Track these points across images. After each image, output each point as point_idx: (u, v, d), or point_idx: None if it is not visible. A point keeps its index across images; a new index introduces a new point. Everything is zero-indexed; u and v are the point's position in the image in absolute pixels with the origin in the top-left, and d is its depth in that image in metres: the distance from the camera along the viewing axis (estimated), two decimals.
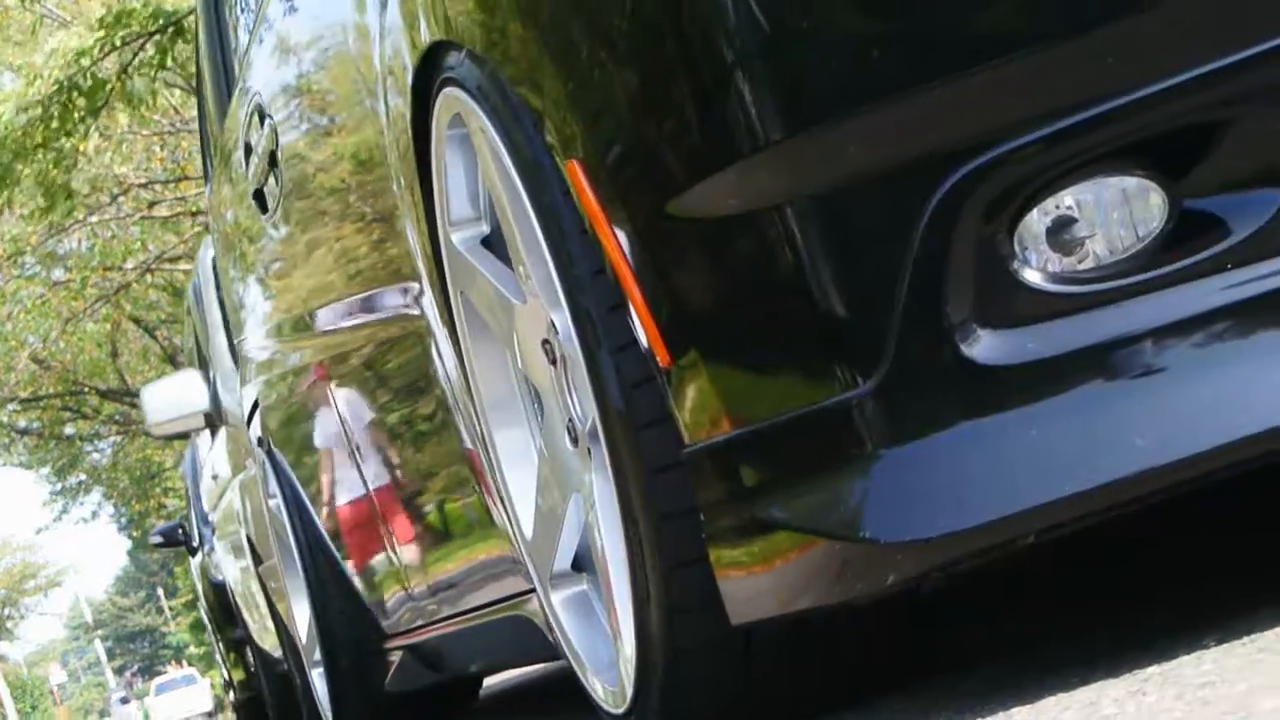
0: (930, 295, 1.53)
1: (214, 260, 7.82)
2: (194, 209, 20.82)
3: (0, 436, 30.60)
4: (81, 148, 11.38)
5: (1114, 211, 1.55)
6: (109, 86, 10.43)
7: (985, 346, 1.53)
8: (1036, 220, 1.55)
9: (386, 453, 3.16)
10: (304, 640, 4.50)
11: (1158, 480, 1.49)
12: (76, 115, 10.34)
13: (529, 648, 2.68)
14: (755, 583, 1.68)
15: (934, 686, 1.82)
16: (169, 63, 10.43)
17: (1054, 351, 1.52)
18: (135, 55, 10.37)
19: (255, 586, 7.22)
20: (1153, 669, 1.46)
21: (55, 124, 10.32)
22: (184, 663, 58.38)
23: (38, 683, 65.36)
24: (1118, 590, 2.13)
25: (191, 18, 10.10)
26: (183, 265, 22.53)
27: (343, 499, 3.72)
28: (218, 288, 7.78)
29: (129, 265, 21.94)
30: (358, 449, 3.32)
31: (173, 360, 26.34)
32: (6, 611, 59.60)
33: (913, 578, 1.57)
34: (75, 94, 10.28)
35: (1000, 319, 1.53)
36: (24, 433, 30.38)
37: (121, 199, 20.50)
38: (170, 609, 61.17)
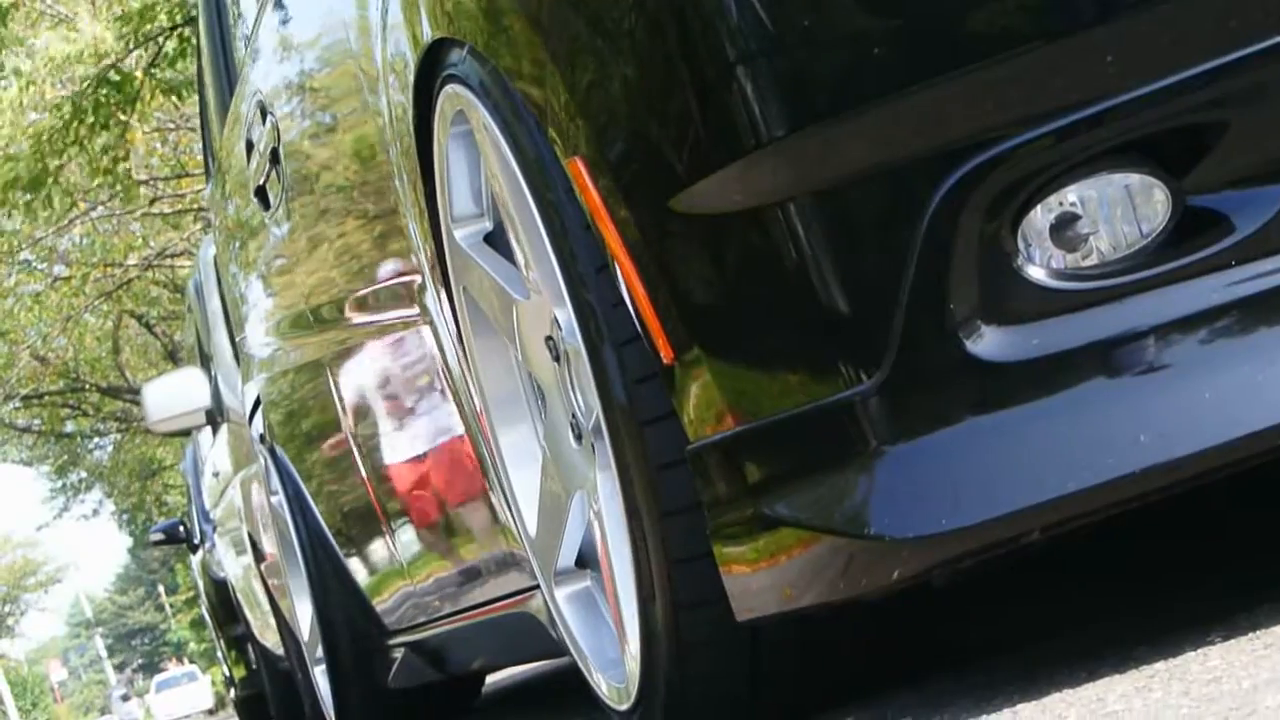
0: (934, 292, 1.53)
1: (214, 257, 7.84)
2: (195, 205, 20.82)
3: (1, 433, 30.62)
4: (131, 139, 11.41)
5: (1117, 208, 1.55)
6: (136, 81, 10.47)
7: (989, 343, 1.53)
8: (1040, 217, 1.55)
9: (389, 449, 3.15)
10: (306, 637, 4.50)
11: (1162, 477, 1.48)
12: (110, 108, 10.37)
13: (532, 645, 2.68)
14: (760, 579, 1.68)
15: (940, 682, 1.82)
16: (189, 55, 10.47)
17: (1058, 348, 1.52)
18: (160, 49, 10.40)
19: (257, 584, 7.23)
20: (1159, 665, 1.46)
21: (91, 119, 10.35)
22: (185, 660, 58.39)
23: (38, 680, 65.35)
24: (1123, 586, 2.13)
25: None
26: (183, 262, 22.54)
27: (345, 495, 3.72)
28: (219, 285, 7.78)
29: (130, 261, 21.93)
30: (360, 445, 3.31)
31: (173, 357, 26.33)
32: (7, 608, 59.59)
33: (918, 574, 1.57)
34: (105, 88, 10.31)
35: (1004, 315, 1.53)
36: (25, 430, 30.38)
37: (115, 199, 20.47)
38: (171, 606, 61.16)
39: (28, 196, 11.51)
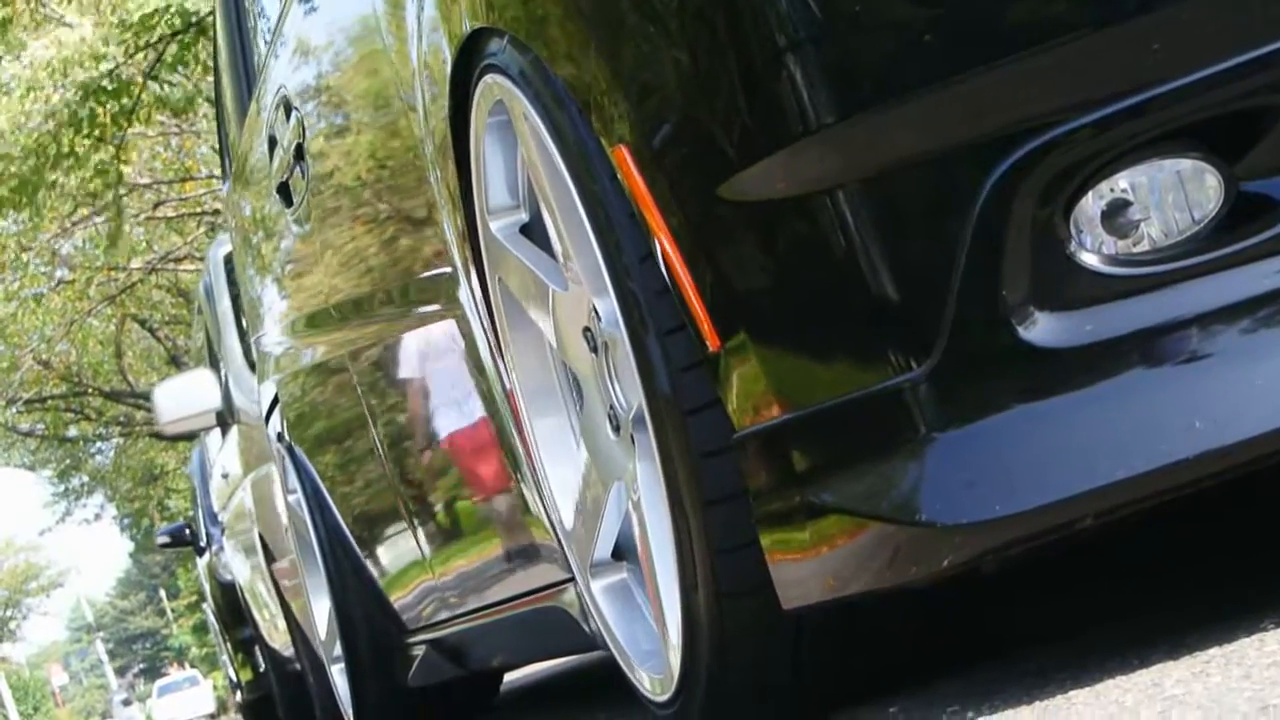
0: (986, 278, 1.53)
1: (226, 258, 7.84)
2: (198, 209, 20.83)
3: (3, 438, 30.61)
4: (124, 161, 11.39)
5: (1169, 194, 1.54)
6: (135, 90, 10.45)
7: (1042, 329, 1.52)
8: (1091, 204, 1.55)
9: (414, 444, 3.15)
10: (323, 636, 4.49)
11: (1216, 463, 1.48)
12: (106, 118, 10.35)
13: (561, 640, 2.68)
14: (807, 567, 1.68)
15: (987, 670, 1.82)
16: (191, 62, 10.47)
17: (1111, 334, 1.52)
18: (160, 56, 10.39)
19: (267, 585, 7.22)
20: (1214, 650, 1.46)
21: (85, 129, 10.33)
22: (186, 665, 58.39)
23: (40, 684, 65.32)
24: (1167, 574, 2.13)
25: (212, 17, 10.12)
26: (186, 266, 22.54)
27: (366, 492, 3.72)
28: (229, 286, 7.78)
29: (134, 265, 21.93)
30: (384, 440, 3.31)
31: (176, 362, 26.32)
32: (9, 612, 59.58)
33: (969, 561, 1.57)
34: (101, 96, 10.30)
35: (1057, 301, 1.53)
36: (27, 434, 30.38)
37: (126, 199, 20.48)
38: (172, 611, 61.15)
39: (16, 201, 11.48)
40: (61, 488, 36.42)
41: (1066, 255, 1.53)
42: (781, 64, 1.57)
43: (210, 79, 13.00)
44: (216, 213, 20.86)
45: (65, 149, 10.47)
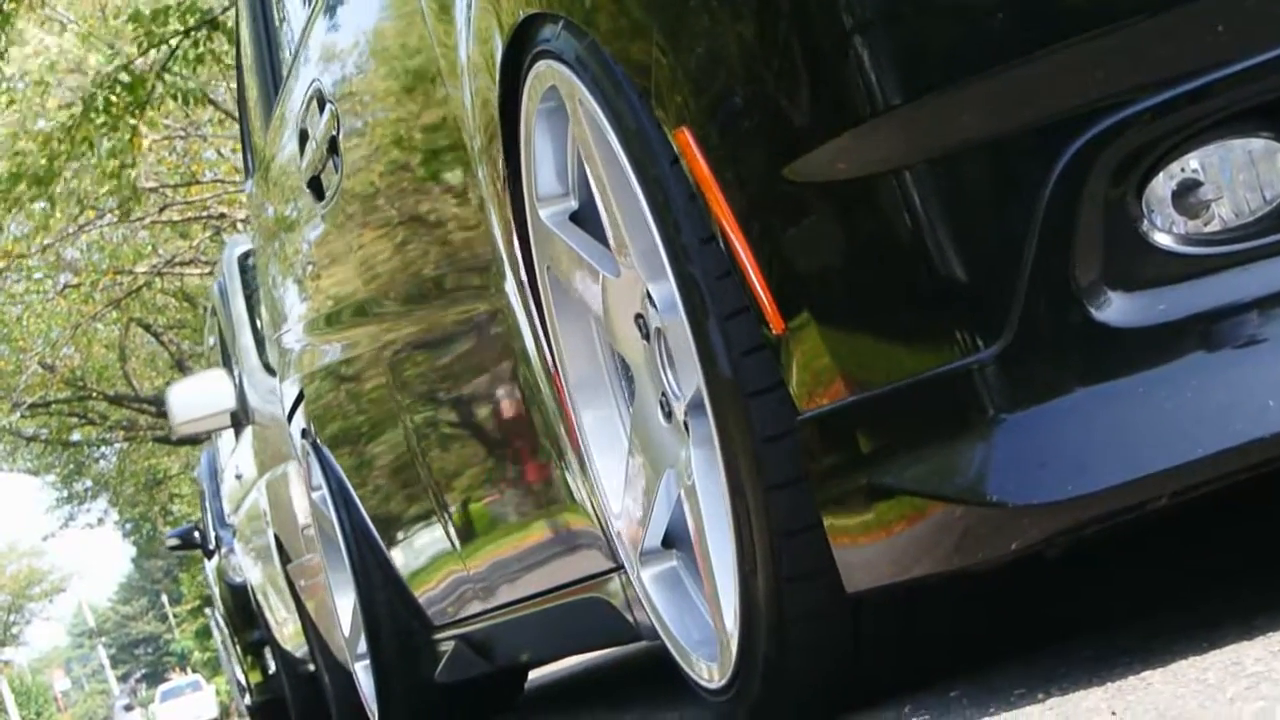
0: (1058, 258, 1.52)
1: (241, 258, 7.84)
2: (204, 213, 20.83)
3: (7, 442, 30.61)
4: (137, 147, 11.41)
5: (1240, 174, 1.54)
6: (149, 83, 10.47)
7: (1115, 309, 1.52)
8: (1162, 184, 1.54)
9: (449, 436, 3.15)
10: (347, 633, 4.49)
11: None
12: (119, 110, 10.36)
13: (603, 632, 2.67)
14: (872, 550, 1.68)
15: (1049, 654, 1.81)
16: (205, 59, 10.47)
17: (1184, 313, 1.51)
18: (173, 52, 10.40)
19: (281, 585, 7.22)
20: None
21: (100, 119, 10.34)
22: (188, 670, 58.38)
23: (42, 689, 65.32)
24: (1231, 556, 2.13)
25: (226, 13, 10.13)
26: (192, 270, 22.54)
27: (395, 486, 3.71)
28: (244, 286, 7.78)
29: (140, 269, 21.93)
30: (415, 434, 3.31)
31: (181, 366, 26.32)
32: (12, 617, 59.58)
33: (1037, 543, 1.56)
34: (117, 88, 10.31)
35: (1130, 281, 1.52)
36: (31, 439, 30.37)
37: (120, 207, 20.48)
38: (174, 616, 61.14)
39: (33, 193, 11.48)
40: (65, 492, 36.41)
41: (1139, 235, 1.53)
42: (849, 45, 1.57)
43: (222, 72, 13.03)
44: (223, 216, 20.87)
45: (80, 137, 10.48)
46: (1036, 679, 1.68)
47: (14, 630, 60.41)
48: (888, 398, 1.63)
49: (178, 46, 10.44)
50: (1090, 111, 1.51)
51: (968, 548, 1.60)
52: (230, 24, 10.50)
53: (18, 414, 26.53)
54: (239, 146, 18.79)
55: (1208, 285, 1.52)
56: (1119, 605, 2.08)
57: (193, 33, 10.28)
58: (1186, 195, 1.54)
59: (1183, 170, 1.54)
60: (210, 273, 22.48)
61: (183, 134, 19.75)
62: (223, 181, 20.72)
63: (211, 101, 14.55)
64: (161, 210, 20.95)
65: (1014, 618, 2.12)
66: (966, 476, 1.57)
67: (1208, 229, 1.54)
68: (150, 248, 22.30)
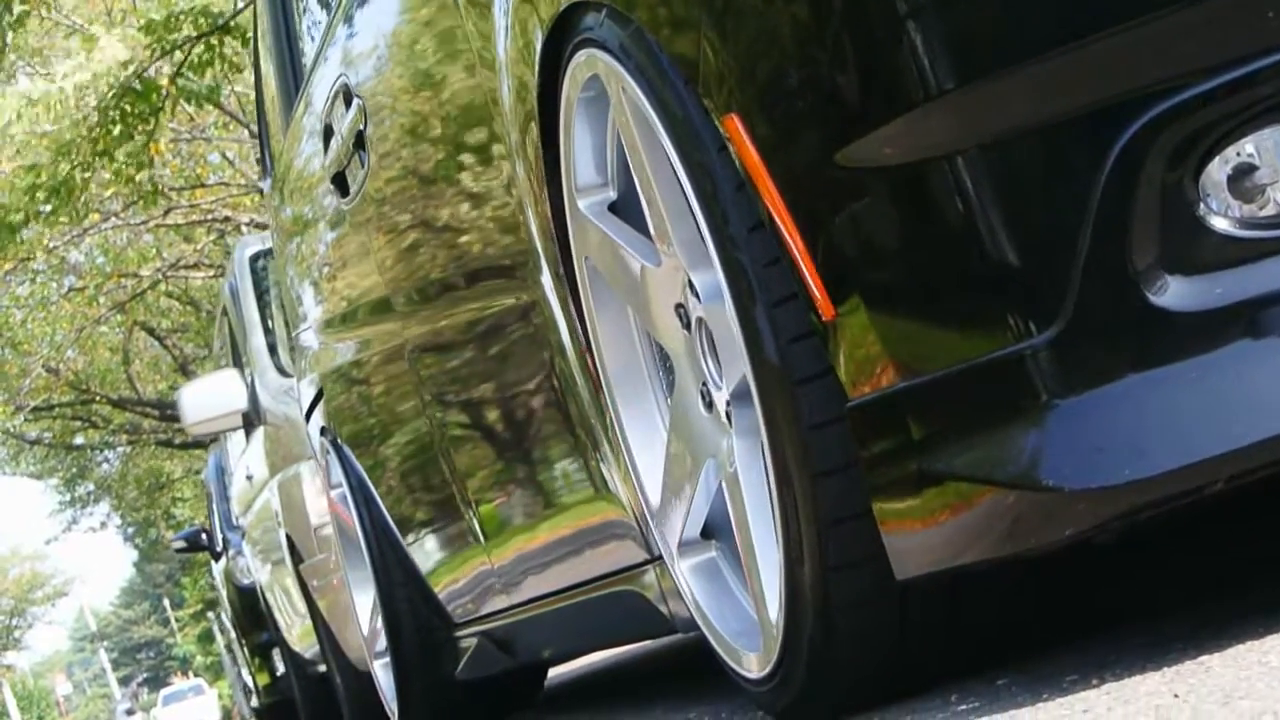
0: (1114, 243, 1.52)
1: (252, 258, 7.84)
2: (208, 216, 20.82)
3: (10, 446, 30.60)
4: (156, 150, 11.41)
5: None
6: (163, 90, 10.47)
7: (1173, 293, 1.52)
8: (1217, 168, 1.54)
9: (477, 429, 3.14)
10: (365, 632, 4.49)
11: None
12: (134, 118, 10.37)
13: (635, 625, 2.67)
14: (922, 536, 1.67)
15: (1098, 642, 1.81)
16: (217, 63, 10.46)
17: (1241, 297, 1.51)
18: (186, 58, 10.40)
19: (293, 586, 7.22)
20: None
21: (117, 129, 10.35)
22: (190, 674, 58.36)
23: (44, 693, 65.32)
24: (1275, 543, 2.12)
25: (239, 18, 10.13)
26: (196, 274, 22.53)
27: (417, 482, 3.71)
28: (255, 286, 7.78)
29: (144, 272, 21.93)
30: (441, 428, 3.30)
31: (184, 369, 26.31)
32: (14, 621, 59.58)
33: (1091, 528, 1.56)
34: (131, 97, 10.31)
35: (1187, 265, 1.52)
36: (34, 442, 30.36)
37: (135, 205, 20.49)
38: (176, 620, 61.14)
39: (49, 206, 11.48)
40: (68, 496, 36.39)
41: (1196, 219, 1.52)
42: (901, 30, 1.57)
43: (227, 76, 13.03)
44: (227, 220, 20.86)
45: (99, 148, 10.48)
46: (1089, 665, 1.68)
47: (16, 634, 60.41)
48: (939, 383, 1.63)
49: (190, 52, 10.43)
50: (1146, 96, 1.51)
51: (1020, 534, 1.60)
52: (242, 27, 10.50)
53: (21, 417, 26.53)
54: (243, 150, 18.66)
55: (1264, 269, 1.52)
56: (1167, 592, 2.08)
57: (205, 37, 10.28)
58: (1242, 179, 1.54)
59: (1238, 154, 1.54)
60: (215, 276, 22.49)
61: (188, 137, 19.75)
62: (227, 185, 20.73)
63: (217, 105, 14.53)
64: (166, 213, 20.94)
65: (1059, 605, 2.11)
66: (1020, 462, 1.57)
67: (1263, 213, 1.54)
68: (155, 251, 22.30)
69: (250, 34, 10.65)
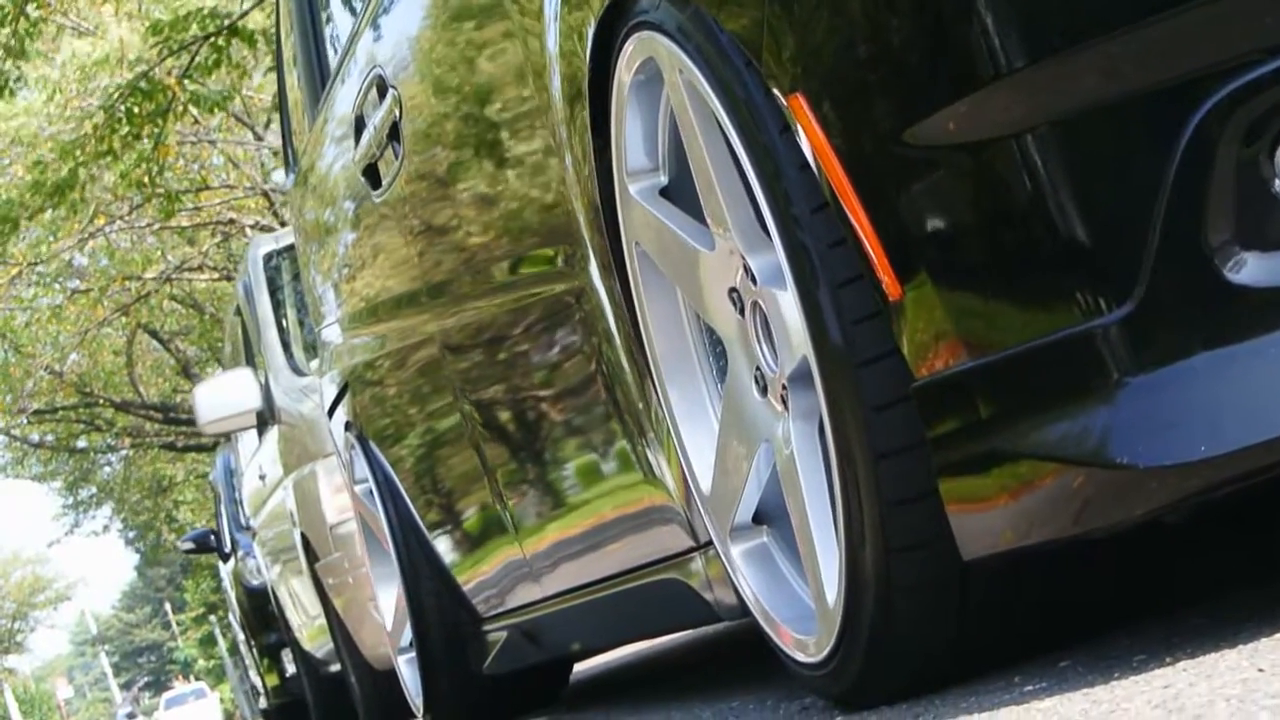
0: (1190, 219, 1.52)
1: (266, 257, 7.83)
2: (212, 219, 20.82)
3: (14, 449, 30.61)
4: (166, 152, 11.43)
5: None
6: (169, 91, 10.49)
7: (1249, 270, 1.51)
8: None
9: (513, 418, 3.13)
10: (390, 627, 4.48)
11: None
12: (141, 118, 10.39)
13: (677, 614, 2.66)
14: (990, 517, 1.67)
15: (1156, 624, 1.80)
16: (224, 65, 10.48)
17: None
18: (193, 59, 10.41)
19: (307, 585, 7.21)
20: None
21: (125, 128, 10.37)
22: (192, 677, 58.33)
23: (45, 697, 65.29)
24: None
25: (248, 21, 10.13)
26: (201, 276, 22.53)
27: (448, 475, 3.70)
28: (269, 285, 7.77)
29: (148, 275, 21.93)
30: (474, 419, 3.30)
31: (187, 372, 26.31)
32: (16, 625, 59.57)
33: (1164, 506, 1.55)
34: (137, 96, 10.33)
35: (1263, 241, 1.52)
36: (38, 445, 30.36)
37: (141, 208, 20.49)
38: (178, 624, 61.11)
39: (54, 202, 11.50)
40: (70, 499, 36.39)
41: (1272, 195, 1.52)
42: (971, 7, 1.56)
43: (233, 79, 13.04)
44: (231, 222, 20.87)
45: (104, 147, 10.49)
46: (1154, 645, 1.68)
47: (19, 638, 60.40)
48: (1009, 362, 1.62)
49: (197, 52, 10.44)
50: (1220, 72, 1.51)
51: (1091, 513, 1.59)
52: (249, 28, 10.51)
53: (24, 419, 26.53)
54: (247, 153, 18.63)
55: None
56: (1223, 574, 2.07)
57: (212, 38, 10.29)
58: None
59: None
60: (219, 279, 22.50)
61: (193, 139, 19.75)
62: (232, 188, 20.73)
63: (225, 111, 14.54)
64: (170, 216, 20.94)
65: (1117, 587, 2.11)
66: (1091, 440, 1.56)
67: None
68: (159, 253, 22.30)
69: (258, 36, 10.69)
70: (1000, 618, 1.88)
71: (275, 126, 18.73)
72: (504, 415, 3.16)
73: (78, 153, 10.61)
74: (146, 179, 11.23)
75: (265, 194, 20.07)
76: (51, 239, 19.46)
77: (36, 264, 20.78)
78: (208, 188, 20.61)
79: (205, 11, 9.97)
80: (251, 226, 20.18)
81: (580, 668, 5.74)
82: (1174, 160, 1.51)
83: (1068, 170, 1.56)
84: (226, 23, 10.17)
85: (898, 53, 1.64)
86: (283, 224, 18.37)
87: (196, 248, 22.10)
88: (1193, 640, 1.63)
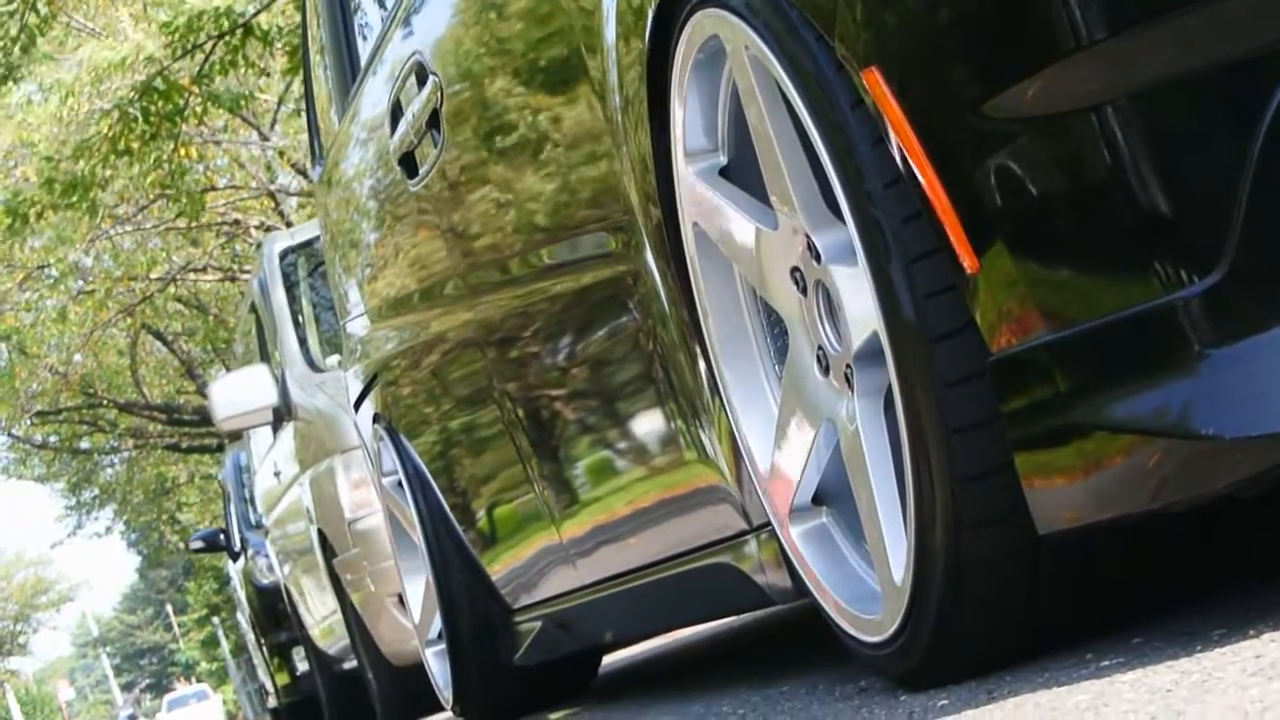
0: (1275, 191, 1.51)
1: (282, 253, 7.83)
2: (216, 220, 20.81)
3: (17, 450, 30.59)
4: (185, 154, 11.42)
5: None
6: (184, 91, 10.48)
7: None
8: None
9: (554, 404, 3.12)
10: (417, 619, 4.47)
11: None
12: (158, 118, 10.38)
13: (725, 600, 2.66)
14: (1069, 491, 1.66)
15: (1232, 598, 1.80)
16: (236, 64, 10.47)
17: None
18: (207, 58, 10.40)
19: (323, 582, 7.20)
20: None
21: (140, 128, 10.36)
22: (193, 679, 58.32)
23: (47, 699, 65.28)
24: None
25: (260, 17, 10.12)
26: (206, 277, 22.52)
27: (482, 463, 3.70)
28: (285, 281, 7.77)
29: (153, 276, 21.91)
30: (512, 405, 3.29)
31: (190, 373, 26.30)
32: (19, 626, 59.55)
33: (1248, 479, 1.55)
34: (153, 95, 10.32)
35: None
36: (41, 446, 30.34)
37: (146, 209, 20.48)
38: (180, 626, 61.10)
39: (70, 200, 11.47)
40: (73, 501, 36.37)
41: None
42: None
43: (238, 80, 13.02)
44: (237, 223, 20.86)
45: (120, 147, 10.48)
46: (1231, 620, 1.67)
47: (21, 640, 60.39)
48: (1088, 334, 1.62)
49: (211, 51, 10.43)
50: None
51: (1173, 486, 1.59)
52: (261, 29, 10.50)
53: (28, 420, 26.51)
54: (253, 155, 18.58)
55: None
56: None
57: (226, 37, 10.28)
58: None
59: None
60: (223, 280, 22.48)
61: (199, 140, 19.74)
62: (237, 189, 20.72)
63: (232, 111, 14.51)
64: (177, 216, 20.92)
65: (1184, 563, 2.10)
66: (1174, 412, 1.56)
67: None
68: (163, 254, 22.29)
69: (273, 35, 10.68)
70: (1072, 593, 1.87)
71: (280, 127, 18.72)
72: (545, 401, 3.15)
73: (90, 154, 10.59)
74: (169, 180, 11.23)
75: (271, 194, 20.07)
76: (60, 245, 19.46)
77: (44, 267, 20.77)
78: (213, 189, 20.59)
79: (220, 10, 9.96)
80: (256, 227, 20.17)
81: (607, 660, 5.73)
82: (1259, 133, 1.51)
83: (1149, 142, 1.56)
84: (240, 21, 10.16)
85: (975, 25, 1.64)
86: (288, 224, 18.37)
87: (201, 248, 22.08)
88: (1273, 614, 1.62)
